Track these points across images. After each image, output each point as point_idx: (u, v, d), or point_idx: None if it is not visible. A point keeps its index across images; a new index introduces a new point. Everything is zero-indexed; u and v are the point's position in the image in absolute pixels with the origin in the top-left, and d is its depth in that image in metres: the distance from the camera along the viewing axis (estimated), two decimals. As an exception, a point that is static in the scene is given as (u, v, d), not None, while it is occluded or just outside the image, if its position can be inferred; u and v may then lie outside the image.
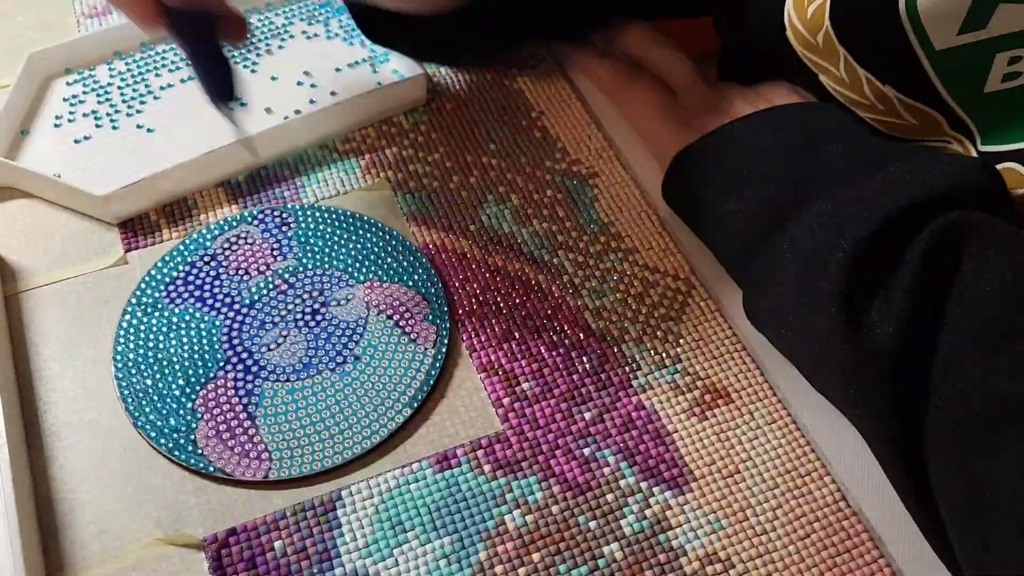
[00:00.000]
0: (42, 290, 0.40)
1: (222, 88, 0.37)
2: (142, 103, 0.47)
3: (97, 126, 0.46)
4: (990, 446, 0.29)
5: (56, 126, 0.46)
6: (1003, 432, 0.29)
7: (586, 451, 0.36)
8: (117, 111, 0.47)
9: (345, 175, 0.45)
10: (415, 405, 0.37)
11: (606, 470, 0.36)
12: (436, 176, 0.45)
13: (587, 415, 0.37)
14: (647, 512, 0.35)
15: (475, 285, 0.41)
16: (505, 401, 0.37)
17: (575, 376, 0.38)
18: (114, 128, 0.46)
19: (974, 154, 0.39)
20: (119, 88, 0.48)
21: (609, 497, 0.35)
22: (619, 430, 0.37)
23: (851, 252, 0.33)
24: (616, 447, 0.36)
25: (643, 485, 0.35)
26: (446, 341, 0.39)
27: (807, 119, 0.40)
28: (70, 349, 0.38)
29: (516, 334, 0.39)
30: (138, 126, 0.46)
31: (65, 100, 0.47)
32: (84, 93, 0.48)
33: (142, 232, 0.42)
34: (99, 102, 0.47)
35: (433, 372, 0.38)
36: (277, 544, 0.33)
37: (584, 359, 0.39)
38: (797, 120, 0.40)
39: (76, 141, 0.45)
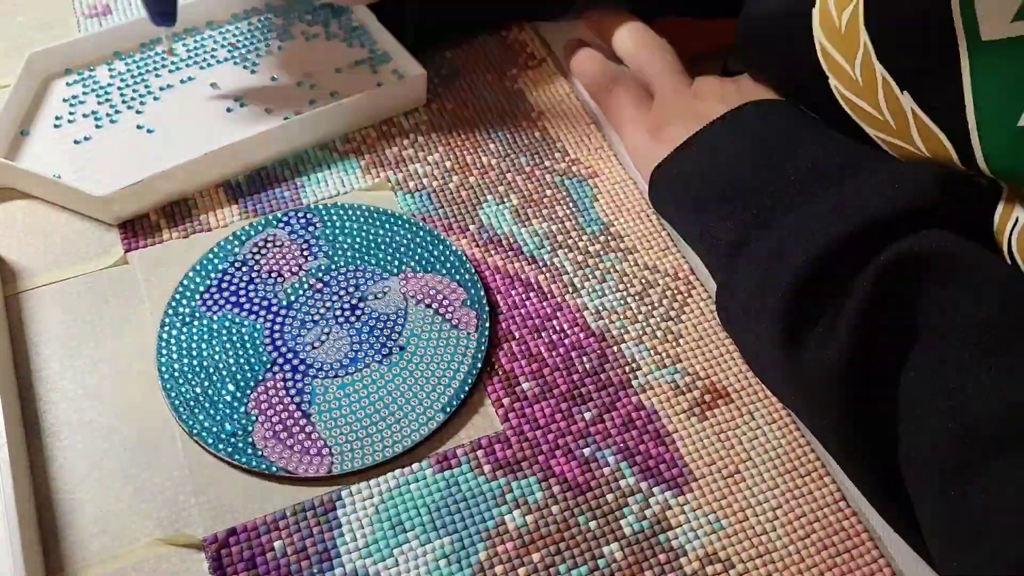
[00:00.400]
0: (42, 290, 0.40)
1: (164, 10, 0.43)
2: (142, 103, 0.47)
3: (97, 126, 0.46)
4: (957, 472, 0.29)
5: (56, 126, 0.46)
6: (972, 463, 0.29)
7: (586, 451, 0.36)
8: (117, 111, 0.47)
9: (345, 175, 0.45)
10: (467, 387, 0.37)
11: (606, 470, 0.36)
12: (436, 176, 0.45)
13: (587, 415, 0.37)
14: (647, 512, 0.35)
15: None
16: (505, 401, 0.37)
17: (575, 376, 0.38)
18: (114, 126, 0.46)
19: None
20: (119, 88, 0.48)
21: (609, 497, 0.35)
22: (619, 430, 0.37)
23: (797, 273, 0.33)
24: (616, 447, 0.36)
25: (643, 485, 0.35)
26: (487, 324, 0.39)
27: (772, 124, 0.39)
28: (70, 349, 0.38)
29: (516, 334, 0.39)
30: (138, 126, 0.46)
31: (65, 100, 0.47)
32: (84, 93, 0.48)
33: (142, 232, 0.42)
34: (99, 102, 0.47)
35: (479, 355, 0.38)
36: (277, 544, 0.33)
37: (584, 359, 0.39)
38: (761, 126, 0.39)
39: (76, 142, 0.45)
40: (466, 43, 0.52)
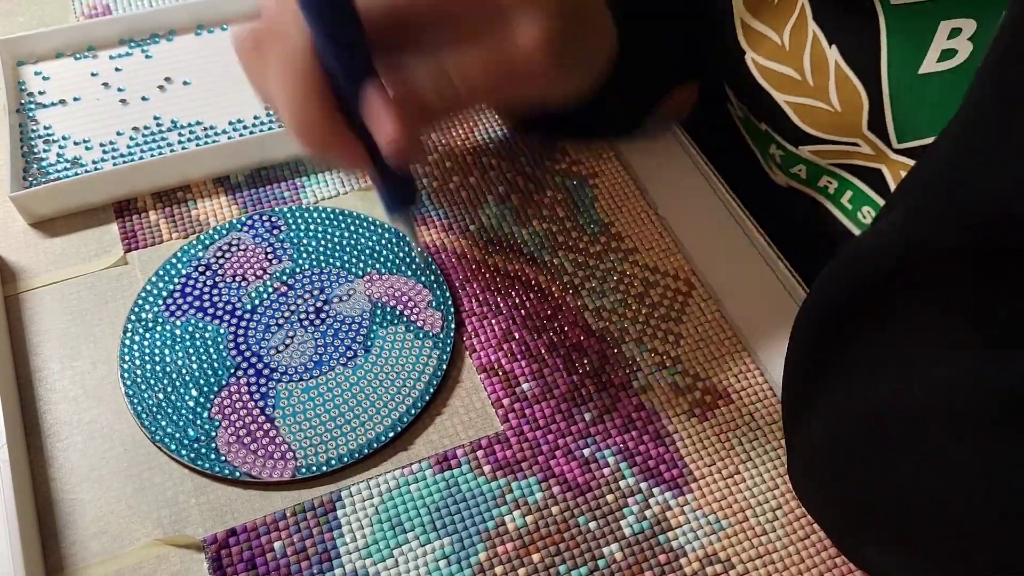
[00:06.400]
0: (42, 290, 0.40)
1: (404, 197, 0.37)
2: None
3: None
4: None
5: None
6: None
7: (586, 452, 0.36)
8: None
9: (345, 175, 0.45)
10: (432, 389, 0.37)
11: (606, 471, 0.36)
12: (436, 176, 0.45)
13: (587, 416, 0.37)
14: (647, 513, 0.35)
15: (475, 285, 0.41)
16: (505, 401, 0.37)
17: (575, 377, 0.38)
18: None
19: (889, 154, 0.39)
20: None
21: (609, 498, 0.35)
22: (619, 431, 0.37)
23: None
24: (616, 448, 0.36)
25: (643, 486, 0.35)
26: (452, 325, 0.39)
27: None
28: (70, 349, 0.38)
29: (516, 334, 0.39)
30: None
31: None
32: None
33: (142, 232, 0.42)
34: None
35: (445, 357, 0.38)
36: (277, 544, 0.33)
37: (584, 360, 0.39)
38: None
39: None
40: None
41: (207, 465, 0.35)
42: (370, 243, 0.42)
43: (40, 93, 0.47)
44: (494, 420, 0.37)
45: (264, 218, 0.43)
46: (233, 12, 0.52)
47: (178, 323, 0.39)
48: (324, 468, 0.35)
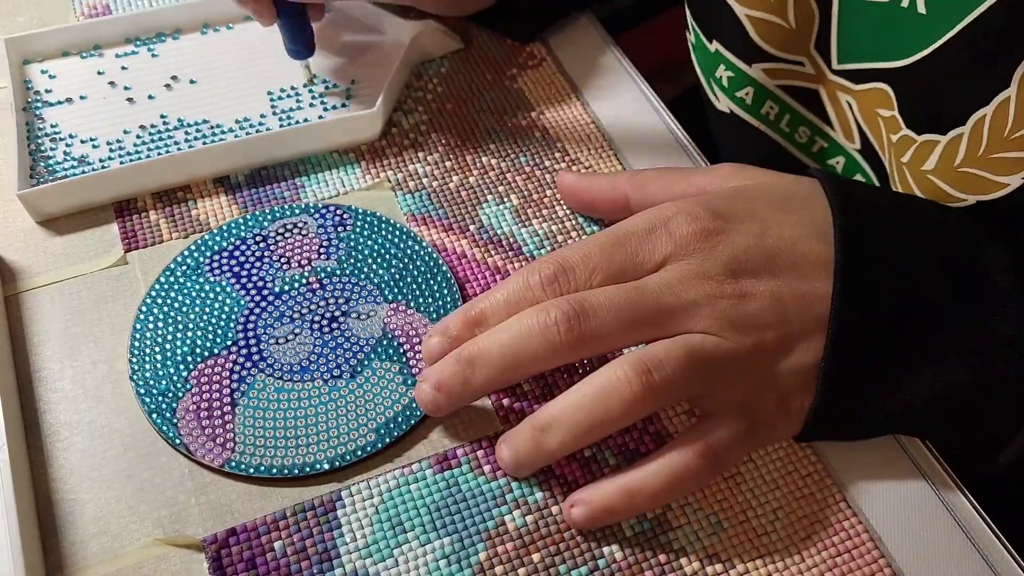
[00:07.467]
0: (42, 290, 0.40)
1: (306, 46, 0.47)
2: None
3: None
4: None
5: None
6: None
7: (586, 452, 0.36)
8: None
9: (345, 175, 0.45)
10: (388, 439, 0.36)
11: (606, 471, 0.36)
12: (436, 176, 0.45)
13: (587, 415, 0.37)
14: (647, 513, 0.35)
15: (475, 285, 0.41)
16: (505, 401, 0.37)
17: (575, 377, 0.38)
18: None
19: (827, 74, 0.43)
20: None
21: (609, 497, 0.35)
22: (619, 431, 0.37)
23: None
24: (616, 448, 0.36)
25: (643, 485, 0.35)
26: None
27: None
28: (70, 349, 0.38)
29: (516, 334, 0.39)
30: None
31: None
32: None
33: (142, 232, 0.42)
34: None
35: (418, 413, 0.36)
36: (277, 544, 0.33)
37: (584, 359, 0.39)
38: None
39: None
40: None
41: (159, 422, 0.35)
42: (415, 272, 0.41)
43: (47, 91, 0.47)
44: (494, 420, 0.37)
45: (337, 211, 0.43)
46: (239, 11, 0.52)
47: (211, 279, 0.40)
48: (252, 472, 0.34)
